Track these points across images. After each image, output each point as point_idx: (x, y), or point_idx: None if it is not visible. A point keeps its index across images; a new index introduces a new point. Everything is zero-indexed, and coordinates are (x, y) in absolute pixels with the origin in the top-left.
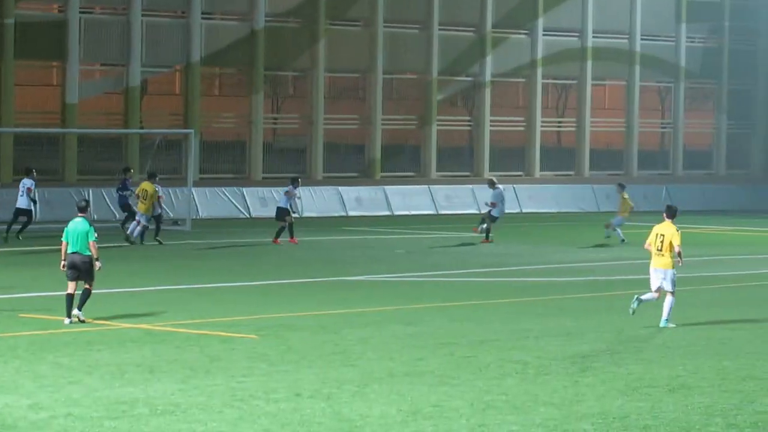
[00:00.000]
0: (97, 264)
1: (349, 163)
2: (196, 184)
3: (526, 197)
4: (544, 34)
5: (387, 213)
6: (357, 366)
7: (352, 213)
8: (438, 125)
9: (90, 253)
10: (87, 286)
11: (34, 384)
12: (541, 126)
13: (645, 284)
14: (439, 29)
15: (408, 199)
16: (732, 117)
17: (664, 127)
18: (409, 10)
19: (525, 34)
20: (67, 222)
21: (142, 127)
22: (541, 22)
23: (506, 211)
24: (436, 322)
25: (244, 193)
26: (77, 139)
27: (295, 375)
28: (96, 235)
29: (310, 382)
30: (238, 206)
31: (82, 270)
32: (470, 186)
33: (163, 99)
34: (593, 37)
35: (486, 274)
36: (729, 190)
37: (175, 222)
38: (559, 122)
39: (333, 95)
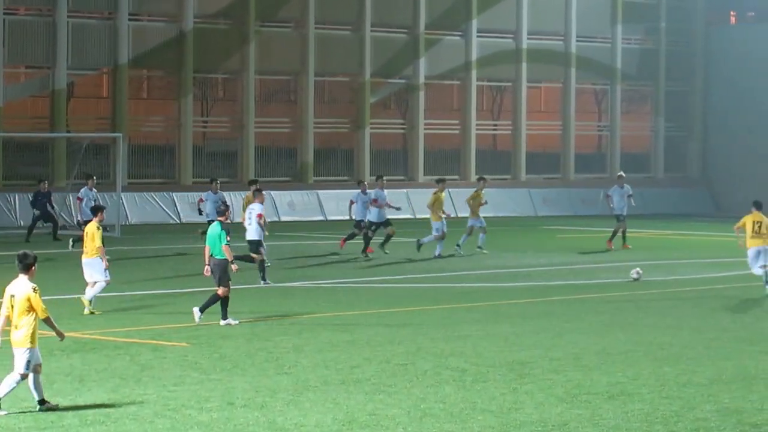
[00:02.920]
0: (233, 267)
1: (281, 167)
2: (124, 189)
3: (461, 201)
4: (478, 36)
5: (320, 218)
6: (291, 374)
7: (284, 218)
8: (371, 128)
9: (222, 257)
10: (218, 291)
11: None
12: (477, 129)
13: (582, 289)
14: (372, 30)
15: (342, 203)
16: (669, 119)
17: (601, 130)
18: (341, 11)
19: (459, 35)
20: None
21: (68, 131)
22: (475, 24)
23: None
24: (372, 329)
25: (174, 197)
26: (2, 143)
27: (227, 383)
28: (228, 238)
29: (244, 390)
30: (168, 211)
31: (214, 272)
32: (405, 190)
33: (90, 102)
34: (528, 38)
35: (423, 279)
36: (667, 193)
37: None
38: (495, 125)
39: (264, 98)
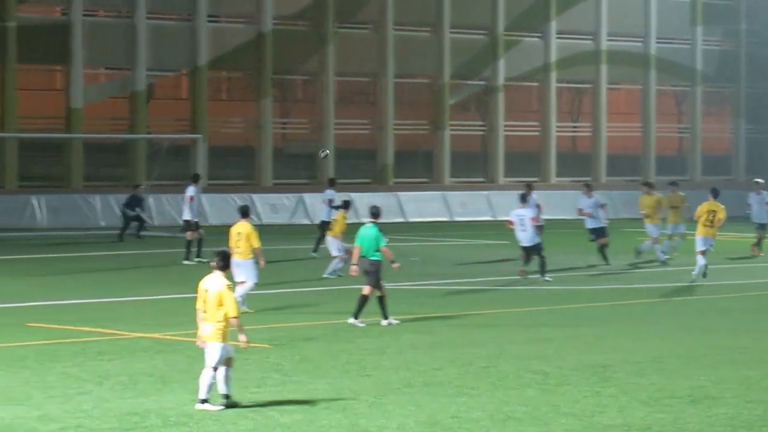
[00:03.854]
0: (395, 265)
1: (361, 168)
2: (204, 191)
3: (542, 203)
4: (557, 37)
5: (401, 219)
6: (373, 376)
7: (365, 220)
8: (451, 130)
9: (378, 258)
10: (380, 293)
11: (43, 395)
12: (556, 131)
13: (664, 292)
14: (451, 32)
15: (421, 205)
16: (750, 121)
17: (681, 132)
18: (420, 13)
19: (538, 36)
20: (73, 229)
21: (148, 133)
22: (554, 25)
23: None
24: (454, 331)
25: (254, 199)
26: (82, 144)
27: (309, 385)
28: (387, 239)
29: (325, 392)
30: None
31: (370, 273)
32: (485, 192)
33: (169, 103)
34: (607, 40)
35: (505, 282)
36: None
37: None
38: (574, 127)
39: (343, 99)
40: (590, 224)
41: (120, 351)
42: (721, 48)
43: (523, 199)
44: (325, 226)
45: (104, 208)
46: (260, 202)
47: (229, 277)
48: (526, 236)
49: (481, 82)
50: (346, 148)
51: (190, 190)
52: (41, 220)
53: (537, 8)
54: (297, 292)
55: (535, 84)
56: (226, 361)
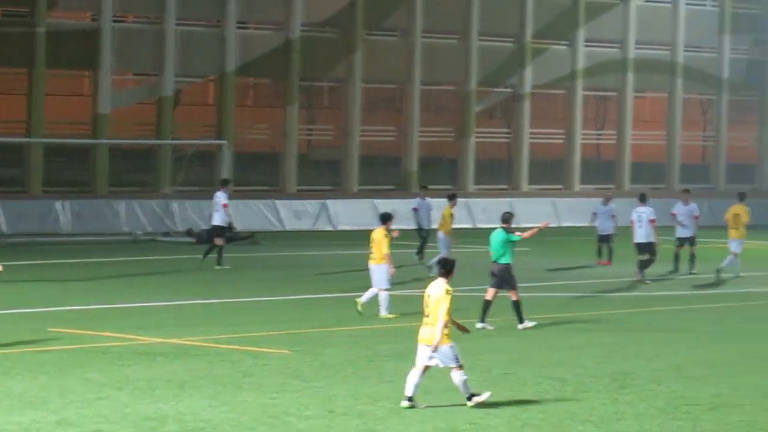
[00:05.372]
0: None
1: (385, 175)
2: (229, 196)
3: (566, 210)
4: (585, 45)
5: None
6: (392, 382)
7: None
8: (476, 137)
9: (505, 262)
10: (514, 298)
11: (63, 400)
12: (582, 138)
13: (685, 300)
14: (479, 39)
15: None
16: None
17: (706, 140)
18: (448, 20)
19: (565, 44)
20: (97, 234)
21: (174, 138)
22: (582, 33)
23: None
24: (473, 338)
25: (277, 205)
26: (109, 149)
27: (328, 391)
28: (519, 234)
29: (344, 398)
30: (272, 219)
31: (499, 277)
32: (508, 199)
33: (196, 109)
34: (635, 48)
35: (524, 289)
36: None
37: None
38: (599, 135)
39: (369, 106)
40: (680, 233)
41: (139, 356)
42: (748, 57)
43: (642, 198)
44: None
45: (128, 213)
46: (283, 208)
47: (452, 283)
48: (641, 233)
49: (508, 90)
50: (371, 154)
51: (222, 197)
52: (65, 225)
53: (565, 16)
54: (315, 299)
55: (562, 92)
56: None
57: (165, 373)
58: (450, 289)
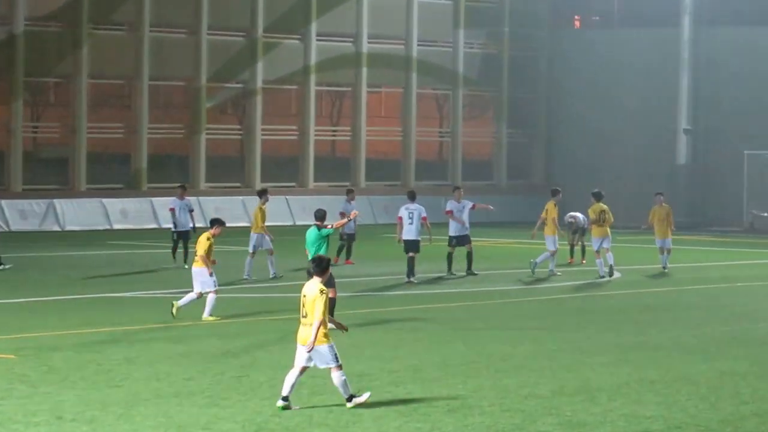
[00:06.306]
0: None
1: (114, 173)
2: None
3: (299, 209)
4: (317, 39)
5: (154, 226)
6: (122, 387)
7: (117, 226)
8: (207, 134)
9: None
10: (331, 295)
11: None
12: (315, 135)
13: (421, 299)
14: (208, 33)
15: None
16: (512, 125)
17: (443, 136)
18: (177, 14)
19: (298, 39)
20: None
21: None
22: (314, 27)
23: (279, 223)
24: (207, 341)
25: (3, 205)
26: None
27: (56, 397)
28: (330, 227)
29: (73, 404)
30: None
31: None
32: (241, 197)
33: None
34: (368, 42)
35: (262, 290)
36: (510, 201)
37: None
38: (334, 131)
39: (97, 102)
40: (454, 231)
41: None
42: (483, 51)
43: (412, 196)
44: None
45: None
46: (9, 208)
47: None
48: (411, 230)
49: (239, 85)
50: (99, 152)
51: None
52: None
53: (297, 10)
54: (41, 302)
55: (295, 87)
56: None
57: None
58: (324, 288)
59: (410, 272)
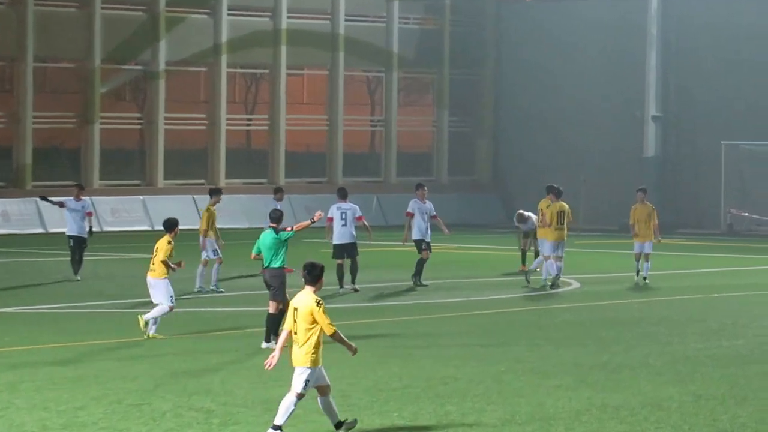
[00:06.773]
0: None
1: None
2: None
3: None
4: (229, 14)
5: (41, 230)
6: (3, 417)
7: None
8: (102, 124)
9: (278, 266)
10: (272, 310)
11: None
12: (227, 124)
13: (350, 313)
14: (102, 8)
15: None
16: (455, 112)
17: (375, 126)
18: None
19: (206, 13)
20: None
21: None
22: (225, 1)
23: (187, 227)
24: (102, 363)
25: None
26: None
27: None
28: (290, 230)
29: None
30: None
31: (276, 286)
32: (141, 197)
33: None
34: (288, 17)
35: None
36: (452, 200)
37: None
38: (249, 120)
39: None
40: (417, 234)
41: None
42: (421, 27)
43: (342, 194)
44: None
45: None
46: None
47: None
48: (345, 233)
49: (139, 67)
50: None
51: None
52: None
53: None
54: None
55: (203, 69)
56: (323, 390)
57: None
58: (320, 299)
59: (341, 281)
